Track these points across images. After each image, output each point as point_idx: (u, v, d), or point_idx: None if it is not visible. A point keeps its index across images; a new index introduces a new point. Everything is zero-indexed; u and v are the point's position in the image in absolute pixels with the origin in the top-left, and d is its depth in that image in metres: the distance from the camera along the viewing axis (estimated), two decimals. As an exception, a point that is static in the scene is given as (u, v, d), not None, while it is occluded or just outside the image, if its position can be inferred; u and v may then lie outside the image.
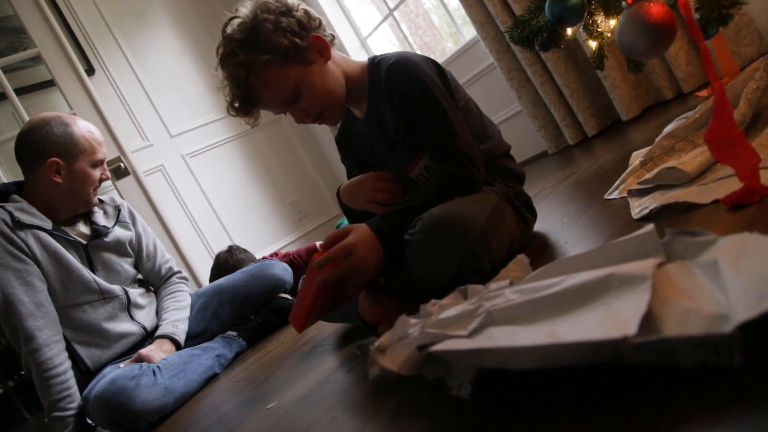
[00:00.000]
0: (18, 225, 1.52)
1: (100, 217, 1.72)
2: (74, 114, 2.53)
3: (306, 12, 1.08)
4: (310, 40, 1.06)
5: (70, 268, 1.57)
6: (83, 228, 1.69)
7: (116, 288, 1.67)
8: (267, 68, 1.04)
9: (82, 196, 1.64)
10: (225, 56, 1.06)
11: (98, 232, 1.68)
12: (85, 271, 1.60)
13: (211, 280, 2.45)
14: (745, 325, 0.35)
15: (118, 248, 1.73)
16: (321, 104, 1.10)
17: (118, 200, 1.84)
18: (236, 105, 1.09)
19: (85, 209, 1.69)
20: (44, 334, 1.47)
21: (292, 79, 1.05)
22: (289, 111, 1.11)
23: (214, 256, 2.58)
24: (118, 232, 1.74)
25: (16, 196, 1.59)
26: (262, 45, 1.02)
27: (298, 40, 1.04)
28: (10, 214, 1.52)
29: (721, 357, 0.37)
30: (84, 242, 1.64)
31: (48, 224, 1.57)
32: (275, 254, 2.50)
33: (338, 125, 1.29)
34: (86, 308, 1.59)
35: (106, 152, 1.72)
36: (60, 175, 1.58)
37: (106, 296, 1.63)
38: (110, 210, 1.78)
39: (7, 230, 1.50)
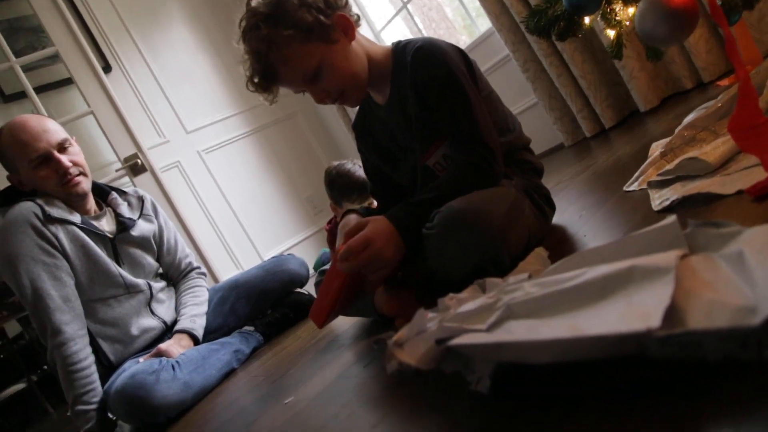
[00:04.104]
0: (48, 219, 1.53)
1: (125, 210, 1.74)
2: (91, 110, 2.56)
3: None
4: (335, 19, 1.04)
5: (97, 261, 1.59)
6: (110, 221, 1.71)
7: (141, 282, 1.68)
8: (289, 44, 1.01)
9: (55, 195, 1.60)
10: (247, 29, 1.03)
11: (124, 225, 1.70)
12: (112, 265, 1.61)
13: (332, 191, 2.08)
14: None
15: (143, 242, 1.75)
16: (342, 84, 1.08)
17: (141, 192, 1.86)
18: (255, 80, 1.07)
19: (81, 200, 1.64)
20: (70, 328, 1.48)
21: (314, 57, 1.03)
22: (308, 90, 1.09)
23: (325, 171, 2.09)
24: (142, 225, 1.77)
25: None
26: (286, 20, 1.00)
27: (322, 18, 1.02)
28: (41, 207, 1.53)
29: (749, 350, 0.36)
30: (111, 236, 1.66)
31: (77, 218, 1.59)
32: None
33: (356, 112, 1.28)
34: (112, 302, 1.62)
35: (49, 140, 1.56)
36: (24, 184, 1.60)
37: (131, 290, 1.65)
38: (134, 202, 1.81)
39: (39, 224, 1.51)
